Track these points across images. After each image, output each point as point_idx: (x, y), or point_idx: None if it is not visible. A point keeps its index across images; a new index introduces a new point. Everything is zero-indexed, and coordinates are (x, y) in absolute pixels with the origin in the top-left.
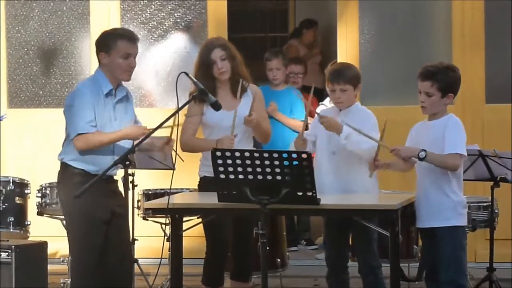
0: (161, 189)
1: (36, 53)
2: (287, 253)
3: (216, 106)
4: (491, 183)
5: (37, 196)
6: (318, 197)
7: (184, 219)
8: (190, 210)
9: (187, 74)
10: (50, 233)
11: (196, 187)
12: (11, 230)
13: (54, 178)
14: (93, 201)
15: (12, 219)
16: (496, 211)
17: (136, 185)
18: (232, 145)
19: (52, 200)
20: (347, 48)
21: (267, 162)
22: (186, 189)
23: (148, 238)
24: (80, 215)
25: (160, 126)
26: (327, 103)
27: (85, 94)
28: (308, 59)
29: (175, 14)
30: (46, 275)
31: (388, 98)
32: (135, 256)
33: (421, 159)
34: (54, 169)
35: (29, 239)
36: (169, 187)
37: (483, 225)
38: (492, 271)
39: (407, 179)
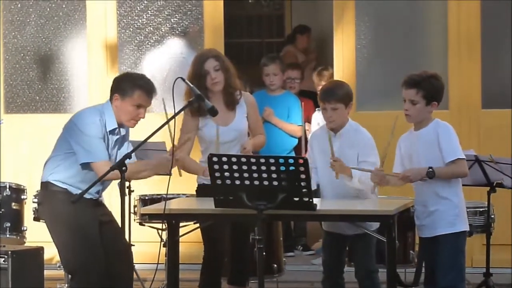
0: (158, 195)
1: (33, 59)
2: (284, 259)
3: (213, 112)
4: (488, 188)
5: (33, 202)
6: (314, 202)
7: (181, 224)
8: (187, 216)
9: (183, 79)
10: (47, 238)
11: (193, 192)
12: (8, 235)
13: None
14: (80, 214)
15: (8, 224)
16: (492, 216)
17: (133, 191)
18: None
19: None
20: (343, 53)
21: (263, 168)
22: (183, 194)
23: (144, 244)
24: (72, 230)
25: (155, 132)
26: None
27: (98, 125)
28: (306, 66)
29: (172, 20)
30: (42, 281)
31: (384, 103)
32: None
33: (431, 178)
34: None
35: (25, 244)
36: (165, 193)
37: (480, 231)
38: (488, 276)
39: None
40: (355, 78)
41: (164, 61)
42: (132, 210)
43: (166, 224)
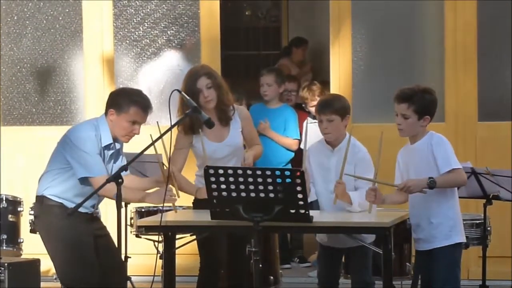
0: (154, 207)
1: (29, 71)
2: (280, 271)
3: (209, 124)
4: (484, 200)
5: (30, 214)
6: (311, 214)
7: (177, 236)
8: (183, 228)
9: (180, 91)
10: (43, 250)
11: (189, 205)
12: (4, 247)
13: None
14: (75, 228)
15: (5, 236)
16: (488, 228)
17: (129, 203)
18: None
19: None
20: (340, 65)
21: (260, 180)
22: (180, 206)
23: (141, 256)
24: (67, 244)
25: (151, 145)
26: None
27: (93, 141)
28: (301, 78)
29: (168, 32)
30: None
31: (381, 115)
32: (128, 274)
33: (432, 188)
34: None
35: (22, 256)
36: (162, 205)
37: (476, 243)
38: None
39: None
40: (351, 90)
41: (160, 73)
42: (128, 222)
43: (162, 236)
